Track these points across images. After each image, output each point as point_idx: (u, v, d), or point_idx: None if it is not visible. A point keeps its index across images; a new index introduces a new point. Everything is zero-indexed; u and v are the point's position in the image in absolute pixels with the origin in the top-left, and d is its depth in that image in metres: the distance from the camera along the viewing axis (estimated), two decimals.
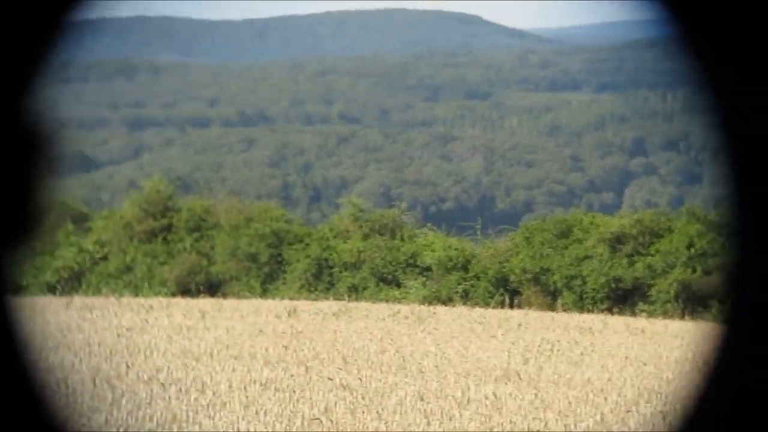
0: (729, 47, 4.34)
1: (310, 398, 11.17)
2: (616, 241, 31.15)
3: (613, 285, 30.41)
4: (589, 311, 29.81)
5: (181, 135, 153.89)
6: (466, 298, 31.56)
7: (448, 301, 31.34)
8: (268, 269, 34.34)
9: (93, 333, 17.96)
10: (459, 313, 25.22)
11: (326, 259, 33.61)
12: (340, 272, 33.26)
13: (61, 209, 41.60)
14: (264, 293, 33.18)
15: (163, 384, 12.16)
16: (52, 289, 32.70)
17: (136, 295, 31.15)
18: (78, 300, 26.75)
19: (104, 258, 35.67)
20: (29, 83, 4.98)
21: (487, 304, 30.77)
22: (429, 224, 36.01)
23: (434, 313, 24.90)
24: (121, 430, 9.48)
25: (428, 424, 10.07)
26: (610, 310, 29.99)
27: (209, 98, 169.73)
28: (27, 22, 4.76)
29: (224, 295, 32.53)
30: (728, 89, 4.41)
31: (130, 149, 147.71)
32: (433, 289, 31.87)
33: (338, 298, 31.05)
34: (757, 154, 4.37)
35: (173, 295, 32.51)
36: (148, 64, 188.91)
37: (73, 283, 34.23)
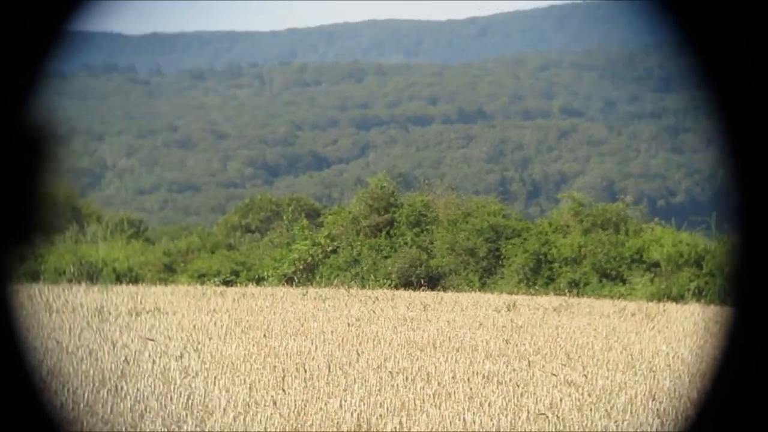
0: None
1: (534, 393, 11.14)
2: None
3: None
4: None
5: (403, 133, 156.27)
6: (699, 295, 30.31)
7: (679, 298, 30.18)
8: (486, 263, 34.45)
9: (326, 322, 18.65)
10: (692, 311, 24.15)
11: (545, 254, 33.30)
12: (560, 267, 32.86)
13: (297, 205, 43.34)
14: (482, 287, 33.31)
15: (390, 372, 12.50)
16: (289, 280, 34.15)
17: (363, 286, 32.01)
18: (312, 290, 27.80)
19: (334, 251, 36.86)
20: (31, 89, 5.02)
21: (724, 303, 29.29)
22: (657, 218, 34.93)
23: (664, 310, 24.03)
24: (355, 414, 9.84)
25: (662, 424, 9.80)
26: None
27: (431, 97, 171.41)
28: (24, 28, 4.82)
29: (444, 288, 32.91)
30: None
31: (357, 148, 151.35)
32: (662, 286, 30.82)
33: (558, 293, 30.67)
34: None
35: (396, 287, 33.21)
36: (375, 66, 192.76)
37: (307, 274, 35.58)
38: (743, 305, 4.60)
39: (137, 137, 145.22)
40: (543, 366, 13.39)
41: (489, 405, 10.36)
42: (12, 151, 4.63)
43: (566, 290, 30.98)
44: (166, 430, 8.96)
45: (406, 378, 12.11)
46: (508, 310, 22.48)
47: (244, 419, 9.43)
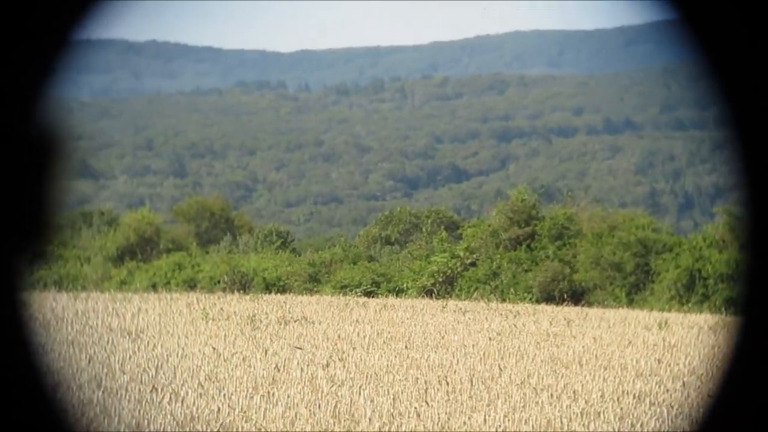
0: None
1: (689, 415, 10.82)
2: None
3: None
4: None
5: (546, 144, 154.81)
6: None
7: None
8: (633, 279, 33.69)
9: (467, 335, 18.57)
10: None
11: (699, 270, 32.31)
12: (716, 284, 31.83)
13: (436, 217, 43.55)
14: (630, 303, 32.57)
15: (535, 389, 12.33)
16: (429, 292, 34.29)
17: (503, 300, 31.77)
18: (452, 303, 27.79)
19: (474, 264, 36.77)
20: (38, 92, 5.01)
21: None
22: None
23: None
24: (500, 429, 9.75)
25: None
26: None
27: (575, 107, 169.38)
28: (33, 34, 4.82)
29: (588, 304, 32.33)
30: None
31: (498, 160, 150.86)
32: None
33: (714, 311, 29.64)
34: None
35: (537, 301, 32.82)
36: (517, 78, 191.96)
37: (446, 286, 35.62)
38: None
39: (286, 152, 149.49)
40: (699, 387, 12.96)
41: (641, 426, 10.10)
42: (20, 154, 4.76)
43: (723, 308, 29.93)
44: None
45: (551, 395, 11.92)
46: (660, 328, 21.87)
47: (389, 429, 9.47)
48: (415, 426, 9.64)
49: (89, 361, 13.42)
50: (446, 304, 26.70)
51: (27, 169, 4.77)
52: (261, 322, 19.47)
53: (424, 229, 42.72)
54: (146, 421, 9.67)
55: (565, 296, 33.23)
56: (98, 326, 18.11)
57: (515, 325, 21.10)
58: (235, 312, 21.48)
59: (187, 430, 9.45)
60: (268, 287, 35.16)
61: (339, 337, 17.23)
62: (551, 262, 35.03)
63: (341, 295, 32.42)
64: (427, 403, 10.84)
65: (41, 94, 4.84)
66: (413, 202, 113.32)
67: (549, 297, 33.51)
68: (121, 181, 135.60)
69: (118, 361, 13.50)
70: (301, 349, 15.04)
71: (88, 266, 39.10)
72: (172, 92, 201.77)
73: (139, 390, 11.34)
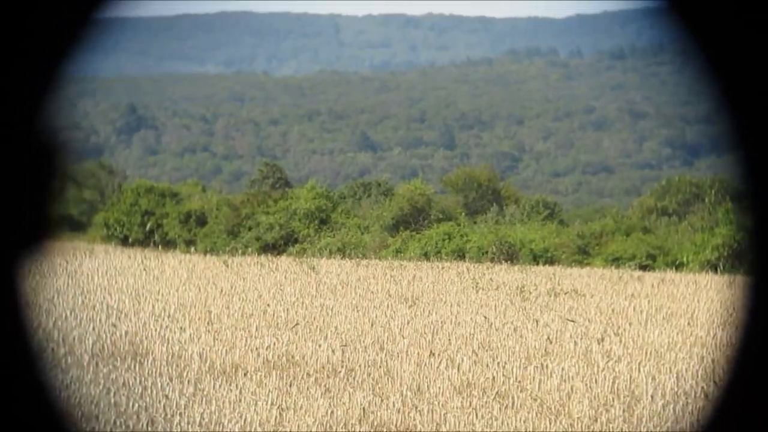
0: None
1: None
2: None
3: None
4: None
5: None
6: None
7: None
8: None
9: None
10: None
11: None
12: None
13: (721, 187, 41.74)
14: None
15: None
16: (713, 267, 33.01)
17: None
18: (740, 279, 26.58)
19: None
20: (44, 97, 4.88)
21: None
22: None
23: None
24: None
25: None
26: None
27: None
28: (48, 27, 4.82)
29: None
30: None
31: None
32: None
33: None
34: None
35: None
36: None
37: (734, 261, 34.11)
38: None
39: (554, 120, 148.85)
40: None
41: None
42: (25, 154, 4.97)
43: None
44: (593, 411, 9.01)
45: None
46: None
47: (674, 409, 9.14)
48: (704, 406, 9.22)
49: (372, 325, 14.15)
50: (734, 280, 25.54)
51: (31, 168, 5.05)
52: (530, 293, 19.61)
53: (706, 200, 41.14)
54: (426, 385, 10.03)
55: None
56: (378, 292, 18.98)
57: None
58: (503, 282, 21.84)
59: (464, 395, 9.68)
60: (536, 258, 35.21)
61: (613, 311, 16.96)
62: None
63: (613, 268, 31.90)
64: (716, 383, 10.35)
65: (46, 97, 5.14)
66: (694, 170, 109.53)
67: None
68: (395, 152, 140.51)
69: (398, 326, 14.07)
70: (573, 321, 14.94)
71: (368, 234, 41.08)
72: (445, 63, 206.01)
73: (418, 354, 11.83)
